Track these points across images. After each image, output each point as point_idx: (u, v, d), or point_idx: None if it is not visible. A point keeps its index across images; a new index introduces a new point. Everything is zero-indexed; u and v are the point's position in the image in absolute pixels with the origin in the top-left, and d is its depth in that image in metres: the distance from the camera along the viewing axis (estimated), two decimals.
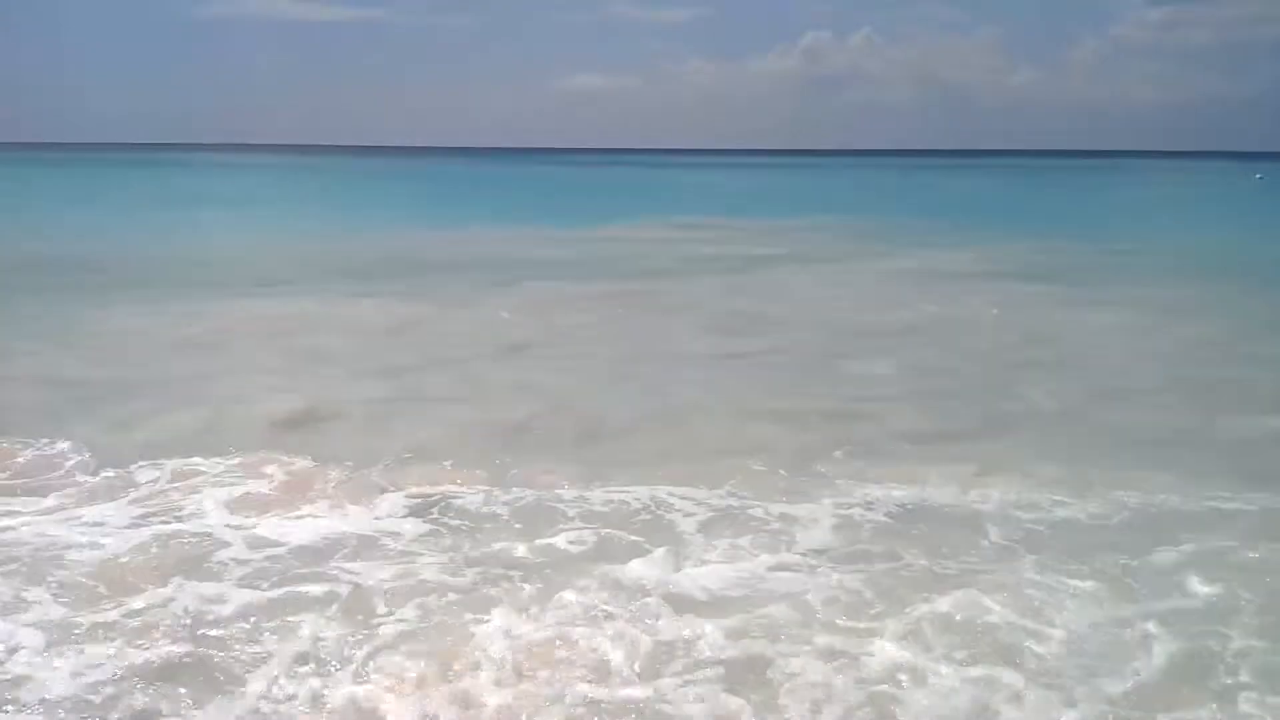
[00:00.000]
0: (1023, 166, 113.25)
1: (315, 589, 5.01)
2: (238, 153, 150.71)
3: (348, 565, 5.29)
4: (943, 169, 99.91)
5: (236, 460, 6.90)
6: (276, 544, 5.53)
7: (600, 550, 5.50)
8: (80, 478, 6.57)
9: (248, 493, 6.32)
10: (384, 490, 6.41)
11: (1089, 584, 5.08)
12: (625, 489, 6.43)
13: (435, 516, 5.99)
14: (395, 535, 5.72)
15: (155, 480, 6.52)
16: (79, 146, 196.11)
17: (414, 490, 6.40)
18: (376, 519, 5.96)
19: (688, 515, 6.04)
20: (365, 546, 5.54)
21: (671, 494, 6.35)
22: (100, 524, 5.78)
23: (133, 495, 6.26)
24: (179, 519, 5.89)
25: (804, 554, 5.47)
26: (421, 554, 5.44)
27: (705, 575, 5.19)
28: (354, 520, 5.92)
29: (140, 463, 6.79)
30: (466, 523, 5.91)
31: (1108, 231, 28.53)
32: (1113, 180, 77.76)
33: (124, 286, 15.10)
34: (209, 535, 5.64)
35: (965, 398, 9.08)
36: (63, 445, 7.12)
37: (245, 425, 7.76)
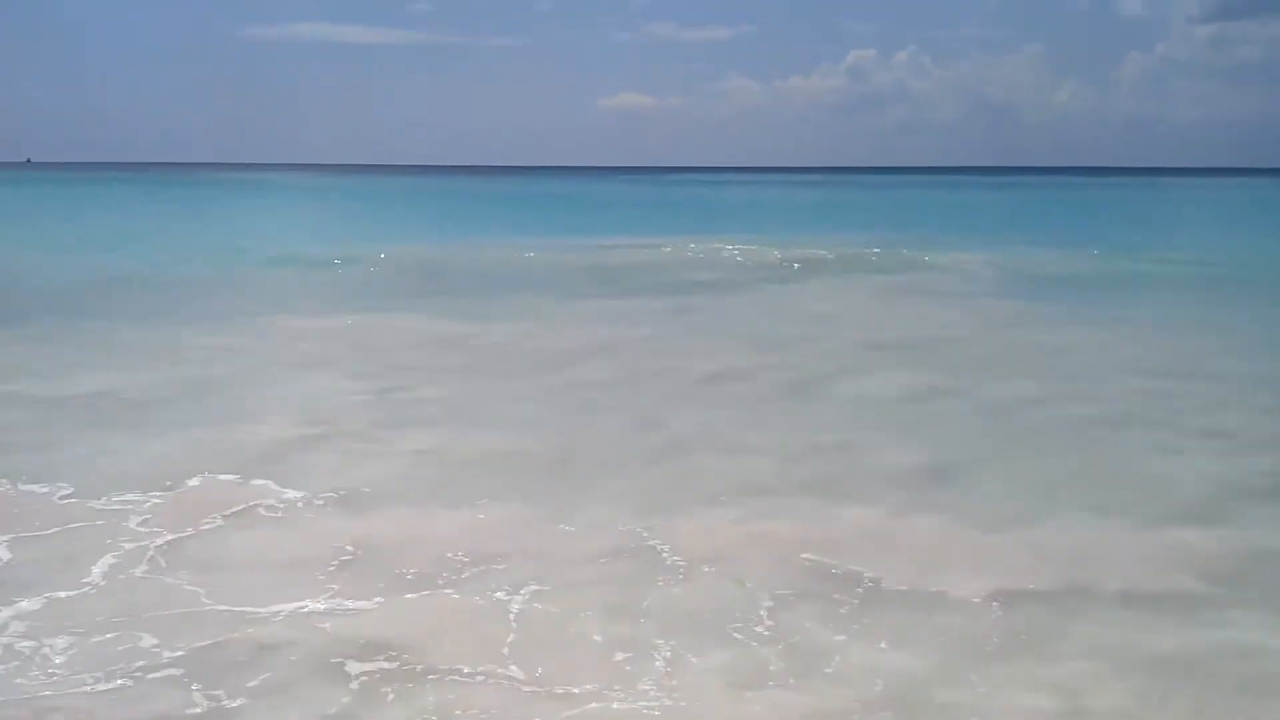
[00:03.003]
0: (1069, 184, 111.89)
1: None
2: (284, 172, 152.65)
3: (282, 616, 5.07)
4: (987, 186, 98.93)
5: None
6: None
7: (541, 607, 5.14)
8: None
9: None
10: (342, 525, 6.23)
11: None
12: (592, 528, 6.27)
13: (377, 559, 5.71)
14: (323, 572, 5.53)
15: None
16: (126, 166, 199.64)
17: (367, 526, 6.21)
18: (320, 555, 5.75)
19: (649, 566, 5.70)
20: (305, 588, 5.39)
21: (629, 539, 6.07)
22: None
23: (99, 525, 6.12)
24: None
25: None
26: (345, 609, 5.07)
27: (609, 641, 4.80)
28: (298, 558, 5.69)
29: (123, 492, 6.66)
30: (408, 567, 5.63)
31: (1138, 246, 28.44)
32: (1158, 197, 76.75)
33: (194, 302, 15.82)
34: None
35: (956, 426, 8.92)
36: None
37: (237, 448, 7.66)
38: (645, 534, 6.15)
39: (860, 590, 5.42)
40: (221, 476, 7.17)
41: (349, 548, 5.89)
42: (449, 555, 5.79)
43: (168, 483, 6.93)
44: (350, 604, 5.16)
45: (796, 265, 22.71)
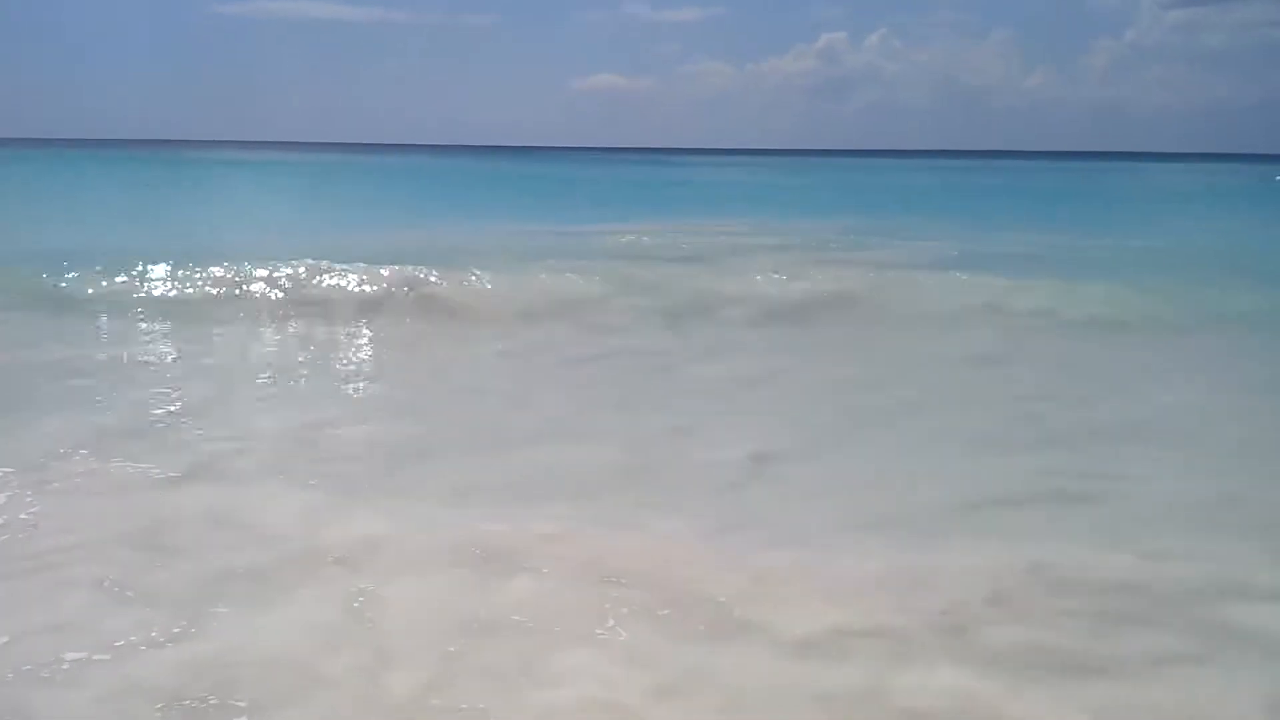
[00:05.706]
0: (1034, 168, 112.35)
1: None
2: (257, 150, 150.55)
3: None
4: (956, 170, 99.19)
5: None
6: None
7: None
8: None
9: None
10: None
11: None
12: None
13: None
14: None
15: None
16: (98, 143, 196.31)
17: (189, 510, 6.08)
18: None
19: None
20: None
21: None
22: None
23: None
24: None
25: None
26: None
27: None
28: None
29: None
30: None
31: (1084, 229, 28.72)
32: (1120, 182, 77.27)
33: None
34: None
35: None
36: None
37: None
38: (471, 542, 5.72)
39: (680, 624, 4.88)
40: (80, 453, 7.09)
41: (166, 539, 5.63)
42: (271, 553, 5.52)
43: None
44: (150, 624, 4.71)
45: (741, 247, 22.57)
